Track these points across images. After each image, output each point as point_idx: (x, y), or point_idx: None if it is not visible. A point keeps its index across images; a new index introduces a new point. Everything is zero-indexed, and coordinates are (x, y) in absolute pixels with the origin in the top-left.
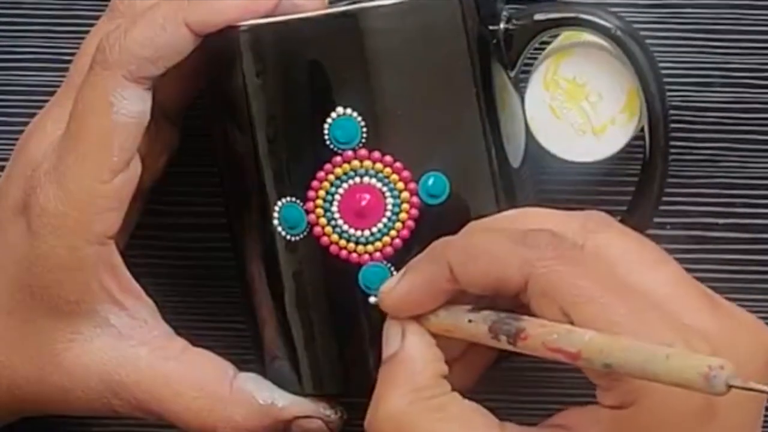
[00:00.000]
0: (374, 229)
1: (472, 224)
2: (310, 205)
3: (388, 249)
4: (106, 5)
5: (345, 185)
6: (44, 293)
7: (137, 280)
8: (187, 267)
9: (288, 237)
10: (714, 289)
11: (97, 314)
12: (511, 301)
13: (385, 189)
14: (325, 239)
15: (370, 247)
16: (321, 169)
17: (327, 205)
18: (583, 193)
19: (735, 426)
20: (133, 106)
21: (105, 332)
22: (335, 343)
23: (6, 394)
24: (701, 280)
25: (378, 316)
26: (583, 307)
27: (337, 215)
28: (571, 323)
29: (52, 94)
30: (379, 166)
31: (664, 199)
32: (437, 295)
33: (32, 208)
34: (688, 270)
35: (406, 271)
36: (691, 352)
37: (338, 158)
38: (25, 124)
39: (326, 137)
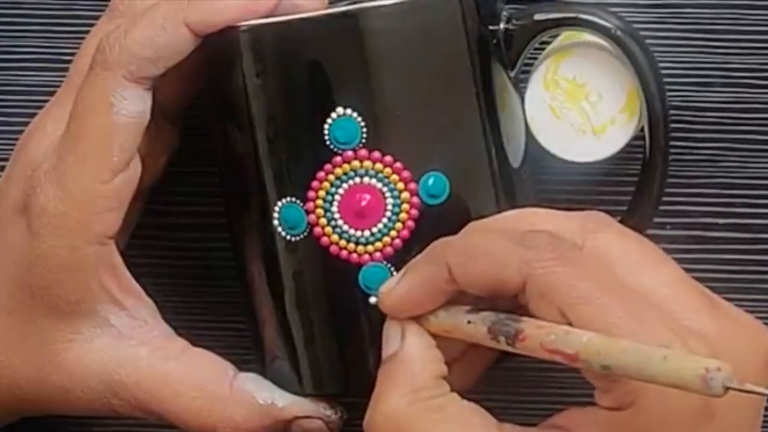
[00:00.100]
0: (374, 230)
1: (472, 225)
2: (310, 205)
3: (388, 249)
4: (106, 5)
5: (345, 185)
6: (44, 293)
7: (137, 280)
8: (187, 267)
9: (288, 237)
10: (713, 289)
11: (97, 314)
12: (511, 302)
13: (385, 189)
14: (325, 239)
15: (370, 248)
16: (321, 169)
17: (327, 205)
18: (583, 193)
19: (733, 427)
20: (133, 106)
21: (105, 332)
22: (335, 343)
23: (6, 394)
24: (701, 280)
25: (378, 317)
26: (581, 308)
27: (337, 215)
28: (570, 324)
29: (52, 94)
30: (379, 166)
31: (664, 199)
32: (436, 295)
33: (32, 208)
34: (688, 270)
35: (405, 272)
36: (688, 354)
37: (338, 158)
38: (25, 124)
39: (326, 137)
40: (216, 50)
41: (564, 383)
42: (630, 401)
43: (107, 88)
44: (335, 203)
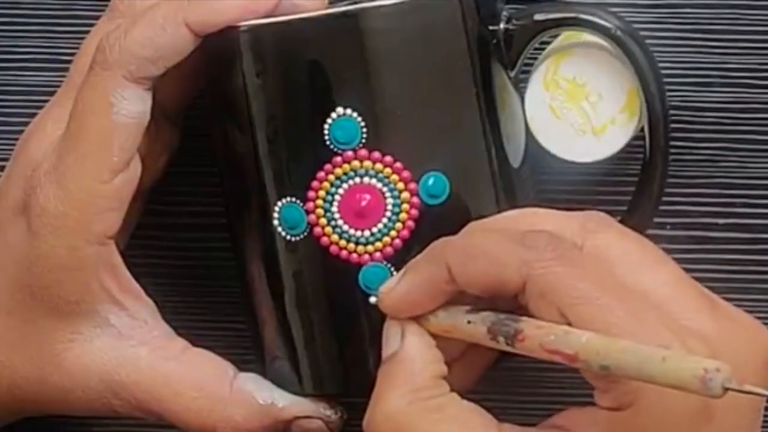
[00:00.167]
0: (374, 230)
1: (472, 225)
2: (310, 205)
3: (388, 249)
4: (106, 5)
5: (345, 185)
6: (44, 293)
7: (137, 280)
8: (187, 267)
9: (288, 237)
10: (713, 289)
11: (97, 314)
12: (511, 302)
13: (385, 189)
14: (325, 239)
15: (370, 247)
16: (321, 169)
17: (327, 205)
18: (583, 193)
19: (732, 428)
20: (133, 106)
21: (105, 332)
22: (335, 343)
23: (6, 394)
24: (701, 280)
25: (378, 316)
26: (581, 309)
27: (337, 215)
28: (569, 324)
29: (52, 94)
30: (379, 166)
31: (664, 199)
32: (436, 295)
33: (32, 208)
34: (688, 270)
35: (405, 272)
36: (687, 354)
37: (338, 158)
38: (25, 124)
39: (326, 137)
40: (216, 50)
41: (563, 383)
42: (629, 401)
43: (107, 88)
44: (335, 203)
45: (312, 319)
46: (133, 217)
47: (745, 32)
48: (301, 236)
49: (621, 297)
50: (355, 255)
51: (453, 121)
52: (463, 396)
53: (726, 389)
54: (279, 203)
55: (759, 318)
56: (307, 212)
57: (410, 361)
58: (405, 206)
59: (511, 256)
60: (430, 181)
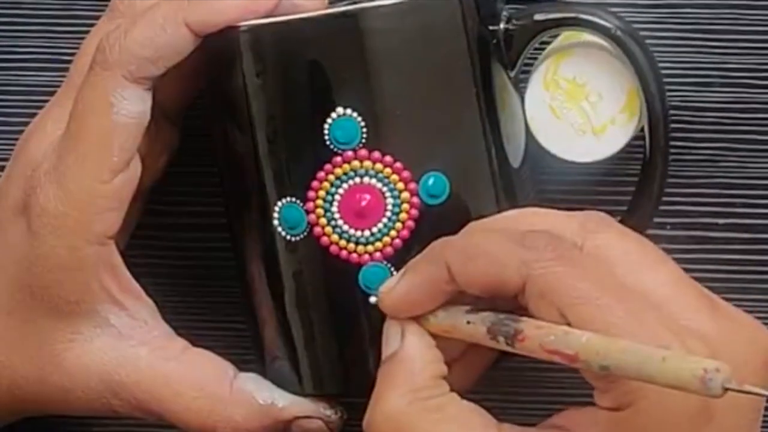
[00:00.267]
0: (374, 229)
1: (472, 225)
2: (310, 205)
3: (388, 249)
4: (106, 5)
5: (345, 185)
6: (44, 293)
7: (137, 280)
8: (187, 267)
9: (288, 237)
10: (713, 289)
11: (97, 314)
12: (511, 302)
13: (385, 189)
14: (325, 239)
15: (370, 247)
16: (321, 169)
17: (327, 205)
18: (582, 193)
19: (732, 428)
20: (133, 106)
21: (105, 332)
22: (335, 343)
23: (6, 394)
24: (700, 280)
25: (378, 316)
26: (580, 309)
27: (337, 215)
28: (569, 324)
29: (52, 94)
30: (379, 166)
31: (664, 199)
32: (436, 295)
33: (32, 208)
34: (688, 270)
35: (405, 272)
36: (687, 355)
37: (338, 158)
38: (25, 124)
39: (326, 137)
40: (216, 50)
41: (563, 383)
42: (629, 401)
43: (107, 88)
44: (335, 203)
45: (312, 319)
46: (133, 217)
47: (745, 32)
48: (301, 236)
49: (621, 297)
50: (355, 255)
51: (453, 121)
52: (463, 396)
53: (726, 389)
54: (279, 203)
55: (759, 318)
56: (307, 212)
57: (410, 361)
58: (405, 206)
59: (511, 256)
60: (430, 181)
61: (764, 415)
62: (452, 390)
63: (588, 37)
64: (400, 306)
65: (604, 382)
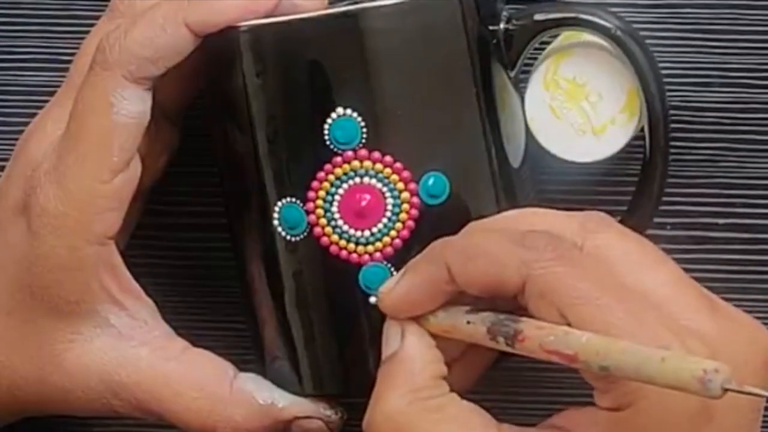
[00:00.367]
0: (374, 230)
1: (472, 225)
2: (310, 205)
3: (388, 249)
4: (105, 5)
5: (345, 185)
6: (44, 293)
7: (137, 280)
8: (187, 267)
9: (288, 237)
10: (713, 289)
11: (97, 314)
12: (510, 303)
13: (385, 189)
14: (325, 239)
15: (370, 248)
16: (321, 169)
17: (327, 205)
18: (582, 193)
19: (732, 428)
20: (133, 106)
21: (105, 332)
22: (335, 343)
23: (6, 394)
24: (700, 280)
25: (378, 317)
26: (580, 309)
27: (337, 215)
28: (569, 325)
29: (51, 94)
30: (379, 166)
31: (664, 199)
32: (436, 295)
33: (32, 208)
34: (688, 270)
35: (405, 272)
36: (686, 355)
37: (338, 158)
38: (25, 124)
39: (326, 137)
40: (216, 50)
41: (562, 384)
42: (629, 402)
43: (107, 88)
44: (335, 203)
45: (312, 319)
46: (133, 217)
47: (745, 32)
48: (301, 236)
49: (621, 297)
50: (355, 255)
51: (453, 121)
52: (462, 396)
53: (725, 390)
54: (279, 203)
55: (759, 318)
56: (307, 212)
57: (410, 361)
58: (405, 206)
59: (511, 256)
60: (430, 181)
61: (764, 415)
62: (452, 390)
63: (588, 37)
64: (400, 306)
65: (604, 383)
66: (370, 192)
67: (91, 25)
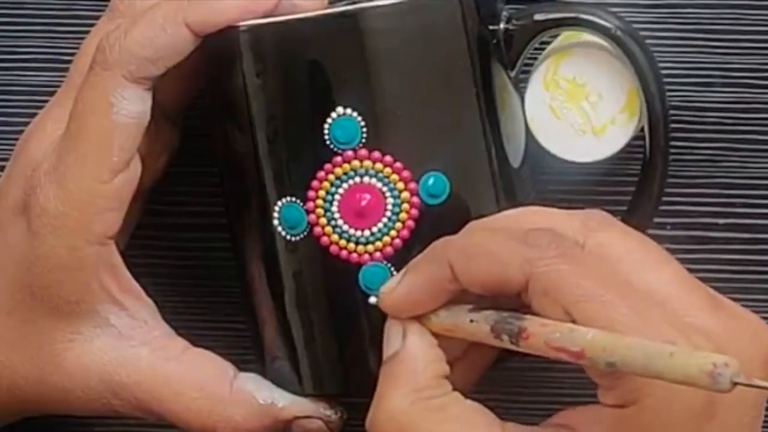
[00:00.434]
0: (374, 229)
1: (473, 224)
2: (310, 205)
3: (388, 249)
4: (106, 5)
5: (345, 185)
6: (44, 293)
7: (137, 280)
8: (187, 267)
9: (288, 237)
10: (714, 289)
11: (97, 314)
12: (513, 301)
13: (385, 189)
14: (325, 239)
15: (370, 247)
16: (321, 169)
17: (327, 205)
18: (583, 193)
19: (735, 425)
20: (133, 106)
21: (105, 332)
22: (335, 343)
23: (6, 394)
24: (701, 280)
25: (378, 316)
26: (584, 306)
27: (337, 215)
28: (573, 322)
29: (52, 94)
30: (379, 166)
31: (664, 199)
32: (438, 295)
33: (32, 208)
34: (689, 270)
35: (406, 272)
36: (694, 350)
37: (338, 158)
38: (25, 124)
39: (326, 137)
40: (216, 50)
41: (564, 383)
42: (633, 399)
43: (107, 88)
44: (335, 203)
45: (312, 319)
46: (133, 217)
47: (747, 32)
48: (301, 236)
49: (624, 294)
50: (355, 255)
51: (453, 121)
52: (465, 395)
53: (735, 384)
54: (279, 203)
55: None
56: (307, 212)
57: (412, 361)
58: (405, 206)
59: (514, 254)
60: (430, 181)
61: (765, 416)
62: (455, 389)
63: (588, 37)
64: (402, 306)
65: (608, 380)
66: (370, 192)
67: (92, 25)
